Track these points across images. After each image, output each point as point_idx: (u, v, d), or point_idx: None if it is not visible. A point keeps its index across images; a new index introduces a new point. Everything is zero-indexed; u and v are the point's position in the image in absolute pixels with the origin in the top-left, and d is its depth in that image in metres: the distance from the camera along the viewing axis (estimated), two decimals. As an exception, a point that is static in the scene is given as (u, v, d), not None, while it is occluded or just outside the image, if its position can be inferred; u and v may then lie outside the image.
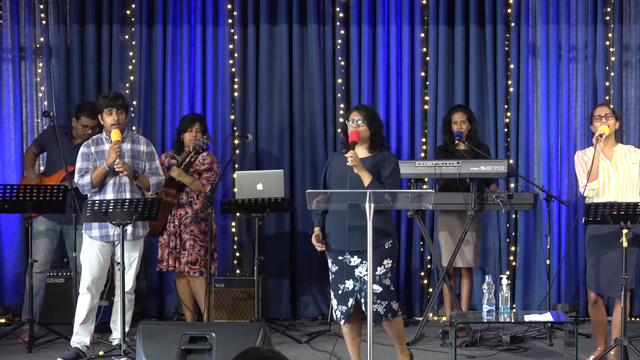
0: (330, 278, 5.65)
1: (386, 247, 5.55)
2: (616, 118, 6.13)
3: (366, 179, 5.48)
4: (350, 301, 5.50)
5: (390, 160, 5.63)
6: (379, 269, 5.50)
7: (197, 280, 7.14)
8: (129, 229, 6.26)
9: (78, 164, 6.37)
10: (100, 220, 6.16)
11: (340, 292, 5.56)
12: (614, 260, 5.85)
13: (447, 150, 7.29)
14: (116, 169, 6.23)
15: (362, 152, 5.61)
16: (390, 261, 5.56)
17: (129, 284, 6.30)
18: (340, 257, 5.54)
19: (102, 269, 6.36)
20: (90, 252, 6.35)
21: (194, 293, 7.24)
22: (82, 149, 6.42)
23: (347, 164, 5.43)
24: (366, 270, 5.43)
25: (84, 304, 6.31)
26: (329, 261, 5.63)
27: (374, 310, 5.46)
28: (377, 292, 5.48)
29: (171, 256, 7.14)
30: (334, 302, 5.60)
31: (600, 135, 5.96)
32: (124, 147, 6.39)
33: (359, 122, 5.59)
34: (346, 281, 5.51)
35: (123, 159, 6.33)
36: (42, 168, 7.63)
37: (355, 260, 5.50)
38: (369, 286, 5.19)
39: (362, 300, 5.48)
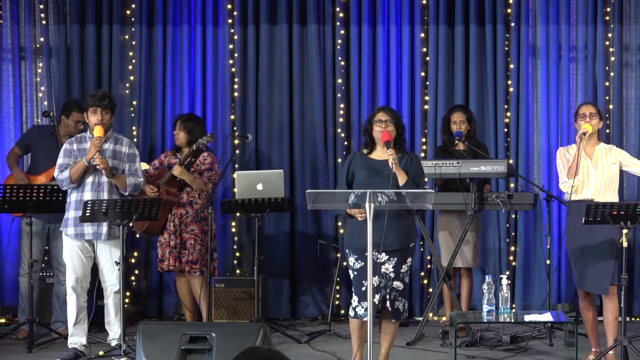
0: (352, 275, 5.66)
1: (411, 246, 5.67)
2: (600, 117, 6.16)
3: (402, 178, 5.53)
4: (377, 297, 5.51)
5: (418, 161, 5.74)
6: (403, 266, 5.60)
7: (197, 280, 7.13)
8: (104, 228, 6.24)
9: (60, 160, 6.35)
10: (99, 220, 6.16)
11: (364, 288, 5.56)
12: (595, 258, 5.90)
13: (446, 151, 7.28)
14: (94, 163, 6.22)
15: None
16: (411, 260, 5.69)
17: (117, 284, 6.27)
18: (367, 254, 5.54)
19: (84, 268, 6.33)
20: (72, 252, 6.32)
21: (193, 292, 7.23)
22: (65, 146, 6.40)
23: (391, 161, 5.46)
24: (392, 267, 5.53)
25: (72, 304, 6.30)
26: (352, 258, 5.62)
27: (395, 307, 5.59)
28: (400, 289, 5.60)
29: (172, 255, 7.12)
30: (355, 298, 5.62)
31: (584, 134, 5.98)
32: (106, 147, 6.34)
33: (388, 122, 5.63)
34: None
35: (104, 157, 6.30)
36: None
37: (382, 257, 5.52)
38: (369, 286, 5.20)
39: (387, 296, 5.55)
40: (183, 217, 7.14)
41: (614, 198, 6.05)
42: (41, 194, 6.61)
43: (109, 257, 6.29)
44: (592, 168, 6.04)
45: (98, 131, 6.22)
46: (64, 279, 7.08)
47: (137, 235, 7.95)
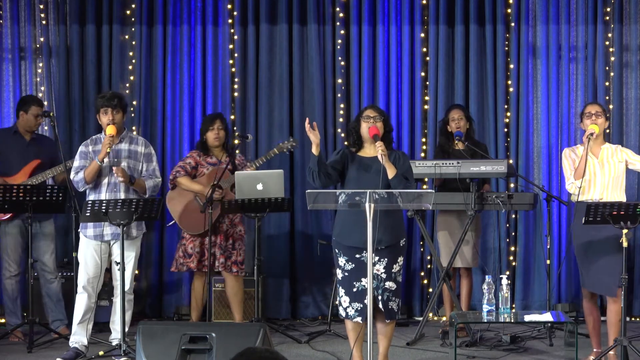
0: (341, 276, 5.65)
1: (401, 244, 5.66)
2: (606, 117, 6.17)
3: (392, 171, 5.54)
4: (367, 299, 5.50)
5: (406, 158, 5.75)
6: (394, 266, 5.60)
7: (240, 281, 7.08)
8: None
9: (75, 162, 6.41)
10: (100, 220, 6.16)
11: (355, 289, 5.58)
12: (603, 259, 5.88)
13: (444, 152, 7.27)
14: (115, 174, 6.25)
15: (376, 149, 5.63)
16: (403, 259, 5.67)
17: (127, 284, 6.29)
18: (357, 255, 5.56)
19: (97, 269, 6.36)
20: (86, 252, 6.35)
21: (232, 294, 7.13)
22: (80, 148, 6.45)
23: (380, 153, 5.47)
24: (384, 268, 5.52)
25: (81, 303, 6.32)
26: (343, 259, 5.62)
27: (389, 307, 5.59)
28: (393, 289, 5.60)
29: (223, 255, 7.02)
30: (346, 299, 5.61)
31: (591, 134, 5.98)
32: (122, 147, 6.39)
33: (376, 119, 5.65)
34: (362, 279, 5.53)
35: (120, 158, 6.35)
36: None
37: (373, 257, 5.50)
38: (368, 285, 5.20)
39: (380, 297, 5.55)
40: (233, 217, 7.06)
41: (622, 197, 6.03)
42: (41, 195, 6.60)
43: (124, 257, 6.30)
44: (599, 167, 6.04)
45: (110, 130, 6.26)
46: (52, 277, 7.10)
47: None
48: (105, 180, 6.34)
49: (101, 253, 6.36)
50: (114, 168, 6.25)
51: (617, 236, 5.81)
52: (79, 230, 6.43)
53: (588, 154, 6.00)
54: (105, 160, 6.26)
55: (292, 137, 7.36)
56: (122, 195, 6.31)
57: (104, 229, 6.31)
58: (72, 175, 6.40)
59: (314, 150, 5.56)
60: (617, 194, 6.02)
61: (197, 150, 7.28)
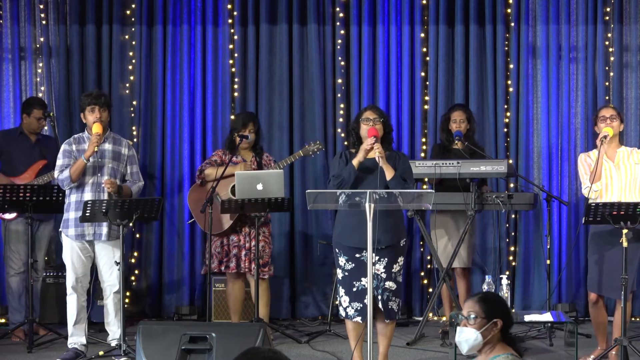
0: (341, 276, 5.67)
1: (401, 244, 5.67)
2: (621, 120, 6.15)
3: (390, 172, 5.56)
4: (367, 298, 5.51)
5: (406, 159, 5.78)
6: (394, 266, 5.61)
7: (265, 284, 7.03)
8: (104, 229, 6.24)
9: (59, 161, 6.37)
10: (99, 220, 6.16)
11: (355, 289, 5.59)
12: (617, 261, 5.84)
13: (444, 149, 7.28)
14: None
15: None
16: (404, 259, 5.68)
17: (116, 284, 6.28)
18: (357, 255, 5.57)
19: (84, 268, 6.35)
20: (72, 252, 6.33)
21: (254, 297, 7.09)
22: (63, 147, 6.42)
23: (377, 154, 5.49)
24: (384, 268, 5.53)
25: (72, 304, 6.32)
26: (343, 259, 5.63)
27: (389, 307, 5.60)
28: (393, 289, 5.61)
29: (247, 258, 6.94)
30: (346, 299, 5.62)
31: (605, 137, 5.96)
32: (106, 147, 6.37)
33: (376, 121, 5.66)
34: (362, 278, 5.53)
35: (104, 158, 6.34)
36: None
37: (373, 257, 5.50)
38: (369, 285, 5.20)
39: (379, 297, 5.56)
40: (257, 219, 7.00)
41: None
42: (47, 194, 6.60)
43: (109, 258, 6.30)
44: (615, 170, 6.01)
45: (97, 128, 6.25)
46: (37, 276, 7.06)
47: (137, 236, 7.96)
48: (90, 180, 6.32)
49: (85, 252, 6.34)
50: (104, 180, 6.24)
51: (637, 241, 5.79)
52: (60, 229, 6.41)
53: (603, 157, 5.97)
54: (91, 159, 6.26)
55: (318, 141, 7.29)
56: (105, 196, 6.28)
57: (85, 229, 6.27)
58: (56, 174, 6.37)
59: (357, 161, 5.57)
60: (634, 197, 5.98)
61: (223, 148, 7.21)
